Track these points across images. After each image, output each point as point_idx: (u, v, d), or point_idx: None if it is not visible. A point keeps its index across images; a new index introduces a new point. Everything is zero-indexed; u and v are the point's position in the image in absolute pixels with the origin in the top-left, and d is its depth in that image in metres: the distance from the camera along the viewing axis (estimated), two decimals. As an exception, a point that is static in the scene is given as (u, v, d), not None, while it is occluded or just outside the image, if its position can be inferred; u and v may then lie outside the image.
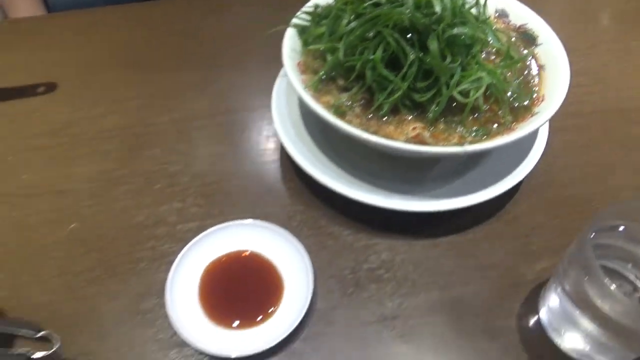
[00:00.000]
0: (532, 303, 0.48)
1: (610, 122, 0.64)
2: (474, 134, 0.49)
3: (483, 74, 0.48)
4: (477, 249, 0.52)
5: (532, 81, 0.55)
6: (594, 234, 0.39)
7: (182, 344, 0.45)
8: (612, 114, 0.65)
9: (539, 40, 0.58)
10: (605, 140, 0.62)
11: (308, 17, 0.56)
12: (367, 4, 0.50)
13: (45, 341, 0.39)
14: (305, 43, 0.55)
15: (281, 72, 0.62)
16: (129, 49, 0.75)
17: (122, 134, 0.62)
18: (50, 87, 0.68)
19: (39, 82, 0.68)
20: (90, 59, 0.73)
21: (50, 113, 0.65)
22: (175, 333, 0.44)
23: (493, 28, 0.55)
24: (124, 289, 0.49)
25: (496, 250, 0.52)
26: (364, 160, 0.55)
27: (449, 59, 0.48)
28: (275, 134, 0.57)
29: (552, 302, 0.44)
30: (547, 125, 0.58)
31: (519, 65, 0.55)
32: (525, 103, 0.52)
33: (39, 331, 0.36)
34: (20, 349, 0.37)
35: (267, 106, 0.59)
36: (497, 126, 0.50)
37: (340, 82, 0.53)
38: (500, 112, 0.51)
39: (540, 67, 0.56)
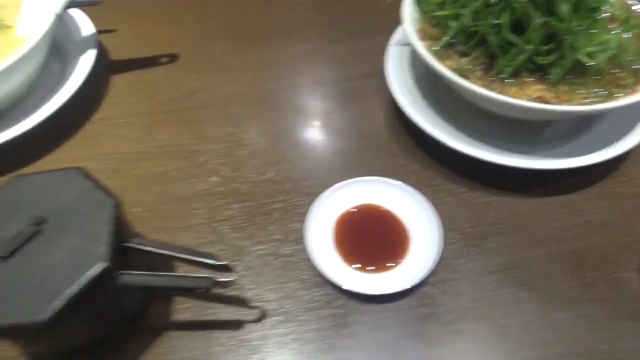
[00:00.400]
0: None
1: None
2: (595, 95, 0.51)
3: (609, 37, 0.50)
4: (593, 207, 0.54)
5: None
6: None
7: (322, 284, 0.50)
8: None
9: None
10: None
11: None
12: (490, -30, 0.53)
13: (222, 270, 0.45)
14: (424, 10, 0.58)
15: (393, 40, 0.65)
16: (241, 23, 0.80)
17: (243, 100, 0.68)
18: (173, 58, 0.74)
19: (162, 54, 0.75)
20: (206, 32, 0.78)
21: (175, 81, 0.71)
22: (316, 274, 0.50)
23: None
24: (264, 235, 0.54)
25: (612, 209, 0.54)
26: (479, 123, 0.58)
27: (574, 22, 0.50)
28: (386, 100, 0.61)
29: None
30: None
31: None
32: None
33: (218, 261, 0.42)
34: (203, 273, 0.43)
35: (375, 73, 0.63)
36: (618, 88, 0.52)
37: (460, 47, 0.56)
38: (622, 74, 0.52)
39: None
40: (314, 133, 0.64)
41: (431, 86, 0.62)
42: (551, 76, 0.52)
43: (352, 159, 0.60)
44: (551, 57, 0.51)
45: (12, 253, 0.40)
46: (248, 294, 0.50)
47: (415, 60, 0.65)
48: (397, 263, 0.51)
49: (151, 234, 0.55)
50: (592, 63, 0.49)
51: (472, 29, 0.53)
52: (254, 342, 0.47)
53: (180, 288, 0.42)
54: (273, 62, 0.73)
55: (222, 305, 0.50)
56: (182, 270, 0.50)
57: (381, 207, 0.54)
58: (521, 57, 0.51)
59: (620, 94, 0.51)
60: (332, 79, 0.70)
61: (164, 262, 0.50)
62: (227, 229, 0.55)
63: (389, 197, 0.55)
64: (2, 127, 0.61)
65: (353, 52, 0.73)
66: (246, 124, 0.65)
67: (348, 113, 0.65)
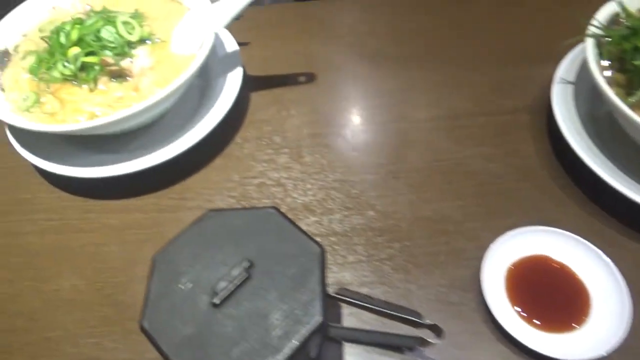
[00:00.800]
0: None
1: None
2: None
3: None
4: None
5: None
6: None
7: (500, 339, 0.48)
8: None
9: None
10: None
11: (602, 28, 0.56)
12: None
13: (429, 328, 0.43)
14: (608, 55, 0.55)
15: (558, 76, 0.62)
16: (377, 41, 0.78)
17: (385, 128, 0.66)
18: (310, 78, 0.73)
19: (298, 72, 0.74)
20: (340, 51, 0.77)
21: (316, 102, 0.70)
22: (490, 327, 0.48)
23: None
24: (430, 279, 0.53)
25: None
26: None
27: None
28: (542, 138, 0.58)
29: None
30: None
31: None
32: None
33: (424, 319, 0.41)
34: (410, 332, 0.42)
35: (527, 108, 0.60)
36: None
37: (649, 95, 0.53)
38: None
39: None
40: (469, 170, 0.62)
41: (601, 129, 0.59)
42: None
43: (513, 202, 0.58)
44: None
45: (224, 300, 0.40)
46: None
47: (582, 99, 0.61)
48: (578, 325, 0.49)
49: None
50: None
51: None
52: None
53: (384, 344, 0.41)
54: (412, 88, 0.71)
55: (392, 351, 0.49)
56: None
57: (556, 260, 0.52)
58: None
59: None
60: (479, 111, 0.67)
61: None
62: (390, 269, 0.54)
63: (563, 249, 0.52)
64: (150, 148, 0.61)
65: (500, 84, 0.70)
66: (393, 156, 0.63)
67: (501, 151, 0.63)
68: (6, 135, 0.64)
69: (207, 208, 0.45)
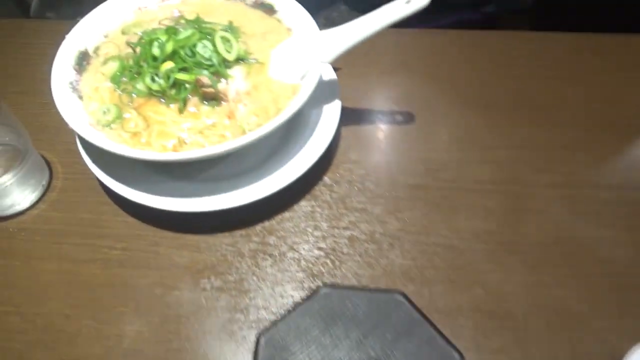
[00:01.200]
0: None
1: None
2: None
3: None
4: None
5: None
6: None
7: None
8: None
9: None
10: None
11: None
12: None
13: None
14: None
15: None
16: (487, 88, 0.70)
17: (500, 190, 0.58)
18: (409, 118, 0.66)
19: (395, 110, 0.67)
20: (442, 93, 0.69)
21: (416, 148, 0.62)
22: None
23: None
24: (555, 384, 0.46)
25: None
26: None
27: None
28: None
29: None
30: None
31: None
32: None
33: None
34: None
35: None
36: None
37: None
38: None
39: None
40: (594, 255, 0.53)
41: None
42: None
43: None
44: None
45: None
46: None
47: None
48: None
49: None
50: None
51: None
52: None
53: None
54: (525, 146, 0.62)
55: None
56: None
57: None
58: None
59: None
60: (606, 184, 0.59)
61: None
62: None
63: None
64: (231, 182, 0.54)
65: (629, 153, 0.62)
66: (505, 224, 0.55)
67: (637, 237, 0.55)
68: (75, 143, 0.58)
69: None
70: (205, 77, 0.52)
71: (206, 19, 0.60)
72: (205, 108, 0.53)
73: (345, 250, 0.54)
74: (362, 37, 0.52)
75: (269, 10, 0.62)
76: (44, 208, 0.58)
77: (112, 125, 0.52)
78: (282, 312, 0.48)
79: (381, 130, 0.65)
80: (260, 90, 0.55)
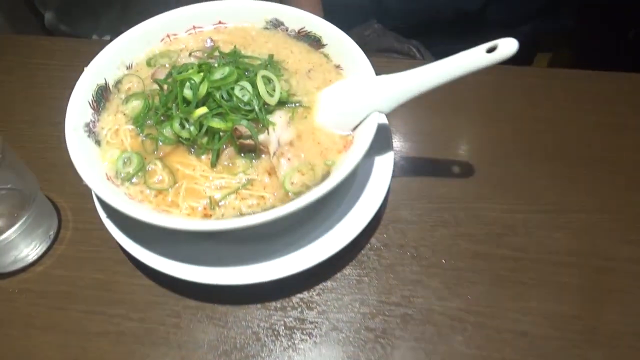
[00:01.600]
0: None
1: None
2: None
3: None
4: None
5: None
6: None
7: None
8: None
9: None
10: None
11: None
12: None
13: None
14: None
15: None
16: (550, 130, 0.61)
17: (577, 263, 0.50)
18: (468, 171, 0.57)
19: (452, 158, 0.59)
20: (506, 138, 0.61)
21: (478, 207, 0.54)
22: None
23: None
24: None
25: None
26: None
27: None
28: None
29: None
30: None
31: None
32: None
33: None
34: None
35: None
36: None
37: None
38: None
39: None
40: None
41: None
42: None
43: None
44: None
45: None
46: None
47: None
48: None
49: None
50: None
51: None
52: None
53: None
54: (604, 210, 0.54)
55: None
56: None
57: None
58: None
59: None
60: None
61: None
62: None
63: None
64: (265, 243, 0.47)
65: None
66: (590, 308, 0.47)
67: None
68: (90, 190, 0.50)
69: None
70: (243, 127, 0.44)
71: (243, 52, 0.53)
72: (242, 161, 0.46)
73: (397, 332, 0.46)
74: (429, 86, 0.44)
75: (316, 43, 0.54)
76: (49, 264, 0.50)
77: (134, 179, 0.45)
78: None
79: (437, 183, 0.56)
80: (306, 140, 0.47)
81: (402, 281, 0.49)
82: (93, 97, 0.49)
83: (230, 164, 0.46)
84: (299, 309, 0.48)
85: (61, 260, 0.51)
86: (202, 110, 0.45)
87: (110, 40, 0.52)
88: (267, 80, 0.48)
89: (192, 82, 0.45)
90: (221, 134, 0.45)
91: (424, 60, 0.85)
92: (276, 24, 0.56)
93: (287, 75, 0.52)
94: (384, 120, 0.55)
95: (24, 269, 0.50)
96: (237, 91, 0.46)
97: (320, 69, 0.53)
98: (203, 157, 0.46)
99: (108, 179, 0.44)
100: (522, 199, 0.55)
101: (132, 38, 0.53)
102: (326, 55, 0.54)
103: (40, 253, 0.50)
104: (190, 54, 0.53)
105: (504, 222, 0.53)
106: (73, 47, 0.74)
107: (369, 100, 0.46)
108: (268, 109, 0.48)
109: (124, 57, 0.53)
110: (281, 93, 0.48)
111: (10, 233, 0.47)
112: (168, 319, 0.47)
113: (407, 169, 0.58)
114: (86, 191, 0.50)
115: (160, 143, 0.46)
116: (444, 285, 0.49)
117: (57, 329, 0.46)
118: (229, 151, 0.46)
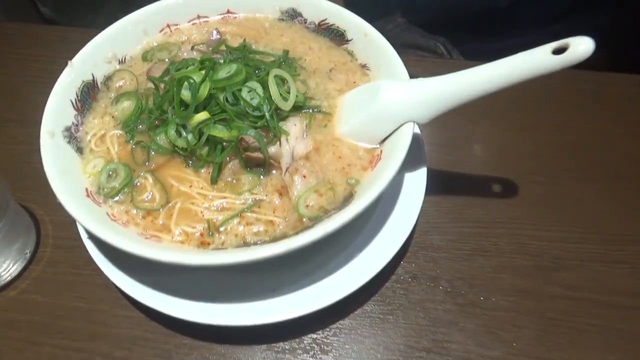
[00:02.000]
0: None
1: None
2: None
3: None
4: None
5: None
6: None
7: None
8: None
9: None
10: None
11: None
12: None
13: None
14: None
15: None
16: (600, 145, 0.53)
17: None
18: (509, 189, 0.50)
19: (490, 175, 0.51)
20: (550, 154, 0.53)
21: (517, 233, 0.47)
22: None
23: None
24: None
25: None
26: None
27: None
28: None
29: None
30: None
31: None
32: None
33: None
34: None
35: None
36: None
37: None
38: None
39: None
40: None
41: None
42: None
43: None
44: None
45: None
46: None
47: None
48: None
49: None
50: None
51: None
52: None
53: None
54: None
55: None
56: None
57: None
58: None
59: None
60: None
61: None
62: None
63: None
64: (275, 274, 0.39)
65: None
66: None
67: None
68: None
69: None
70: (250, 138, 0.37)
71: (253, 47, 0.46)
72: (248, 178, 0.38)
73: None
74: (478, 93, 0.36)
75: (339, 38, 0.46)
76: (24, 288, 0.44)
77: (120, 196, 0.38)
78: None
79: (471, 203, 0.49)
80: (324, 153, 0.40)
81: (434, 322, 0.42)
82: (77, 96, 0.42)
83: (234, 181, 0.38)
84: (311, 352, 0.40)
85: (38, 283, 0.44)
86: (203, 115, 0.37)
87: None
88: (281, 81, 0.40)
89: (192, 81, 0.38)
90: (224, 144, 0.38)
91: (460, 60, 0.77)
92: (293, 15, 0.49)
93: (305, 75, 0.44)
94: (416, 130, 0.47)
95: (-6, 293, 0.44)
96: (244, 93, 0.39)
97: (343, 69, 0.45)
98: (202, 171, 0.39)
99: (88, 195, 0.37)
100: (574, 225, 0.47)
101: (126, 27, 0.46)
102: (350, 53, 0.46)
103: (14, 274, 0.44)
104: (192, 48, 0.46)
105: (553, 253, 0.46)
106: (68, 37, 0.67)
107: (402, 107, 0.38)
108: (281, 115, 0.40)
109: (117, 49, 0.46)
110: (297, 96, 0.40)
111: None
112: (156, 359, 0.40)
113: (437, 185, 0.50)
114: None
115: (153, 153, 0.39)
116: (484, 328, 0.41)
117: (28, 370, 0.40)
118: (233, 165, 0.38)
